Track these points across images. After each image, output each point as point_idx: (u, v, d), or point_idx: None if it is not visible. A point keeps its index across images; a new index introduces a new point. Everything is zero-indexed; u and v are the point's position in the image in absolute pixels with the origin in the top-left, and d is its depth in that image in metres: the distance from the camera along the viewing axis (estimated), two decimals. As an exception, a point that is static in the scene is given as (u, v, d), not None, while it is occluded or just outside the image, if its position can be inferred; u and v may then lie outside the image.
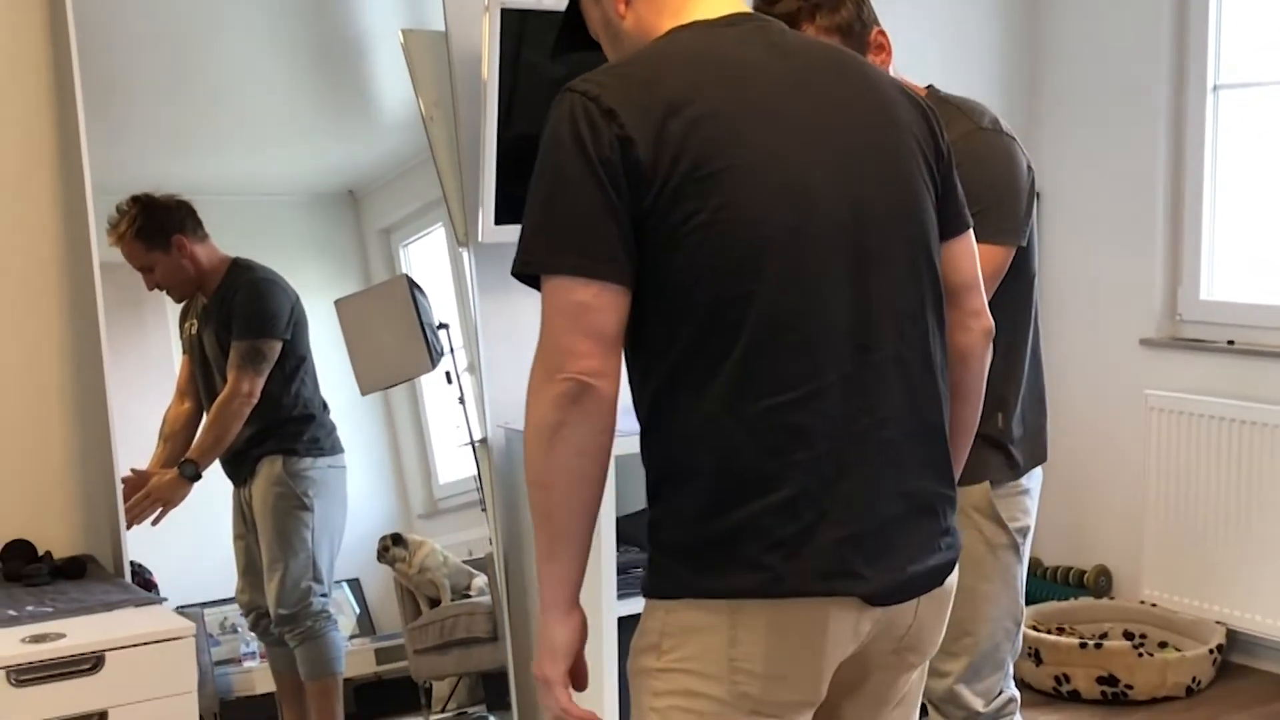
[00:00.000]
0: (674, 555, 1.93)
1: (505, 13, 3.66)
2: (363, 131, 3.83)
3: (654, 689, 1.96)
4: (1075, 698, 4.52)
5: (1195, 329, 4.91)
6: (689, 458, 1.90)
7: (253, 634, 3.58)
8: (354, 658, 3.71)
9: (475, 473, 3.88)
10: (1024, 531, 2.93)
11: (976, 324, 2.13)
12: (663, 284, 1.87)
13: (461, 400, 3.85)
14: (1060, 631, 4.78)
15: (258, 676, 3.60)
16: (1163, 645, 4.73)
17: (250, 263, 3.57)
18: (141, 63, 3.46)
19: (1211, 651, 4.58)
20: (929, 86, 2.85)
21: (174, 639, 2.91)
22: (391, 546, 3.77)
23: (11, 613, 2.95)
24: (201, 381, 3.52)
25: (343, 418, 3.69)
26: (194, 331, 3.51)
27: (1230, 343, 4.78)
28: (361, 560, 3.75)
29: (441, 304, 3.84)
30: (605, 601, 3.65)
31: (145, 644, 2.88)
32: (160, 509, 3.40)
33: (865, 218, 1.94)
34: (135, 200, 3.40)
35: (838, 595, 1.89)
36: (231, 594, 3.56)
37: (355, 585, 3.77)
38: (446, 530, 3.89)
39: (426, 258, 3.87)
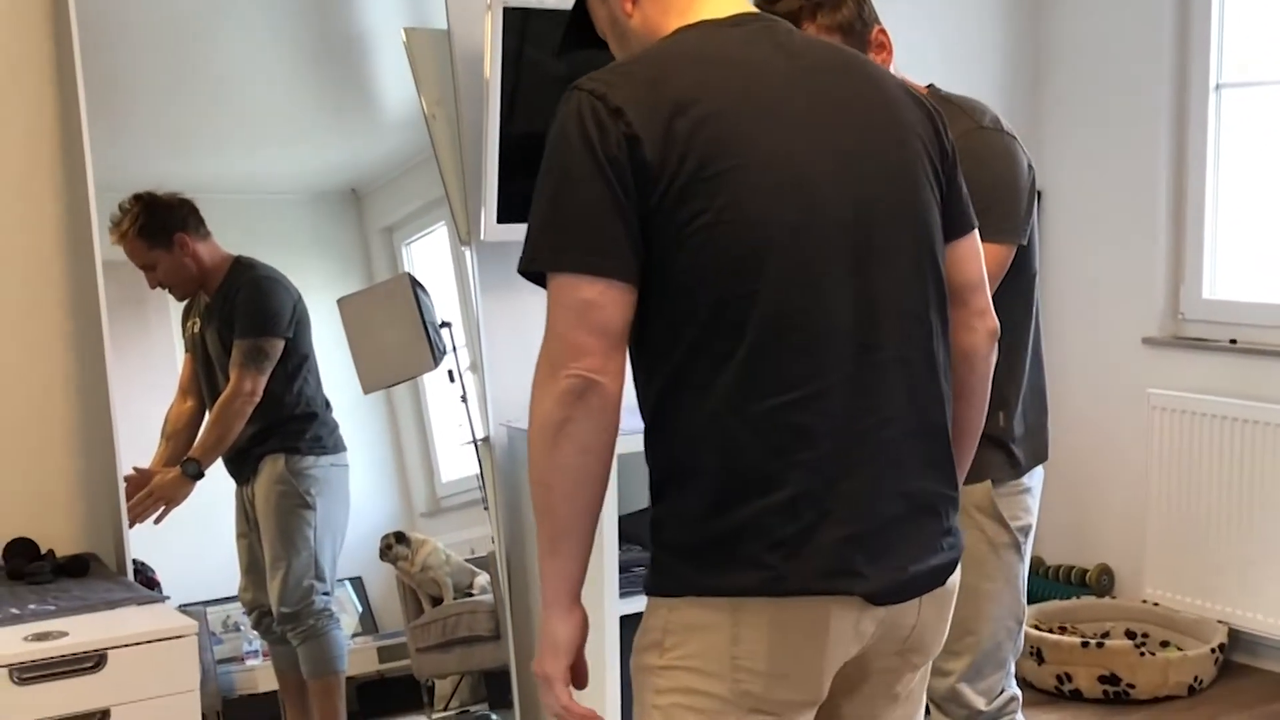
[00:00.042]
0: (677, 553, 1.93)
1: (508, 11, 3.65)
2: (365, 130, 3.83)
3: (656, 686, 1.96)
4: (1077, 697, 4.52)
5: (1197, 328, 4.91)
6: (692, 457, 1.90)
7: (255, 632, 3.58)
8: (356, 656, 3.71)
9: (478, 471, 3.88)
10: (1026, 530, 2.94)
11: (981, 324, 2.14)
12: (667, 283, 1.87)
13: (464, 399, 3.86)
14: (1062, 630, 4.78)
15: (260, 675, 3.60)
16: (1165, 644, 4.73)
17: (252, 261, 3.57)
18: (144, 61, 3.46)
19: (1213, 651, 4.58)
20: (930, 85, 2.85)
21: (176, 637, 2.92)
22: (394, 545, 3.78)
23: (14, 611, 2.95)
24: (204, 380, 3.52)
25: (345, 416, 3.69)
26: (196, 330, 3.52)
27: (1233, 341, 4.78)
28: (364, 559, 3.75)
29: (444, 302, 3.84)
30: (607, 600, 3.65)
31: (147, 642, 2.88)
32: (163, 507, 3.40)
33: (869, 217, 1.94)
34: (138, 198, 3.40)
35: (839, 594, 1.90)
36: (234, 592, 3.56)
37: (358, 583, 3.77)
38: (449, 529, 3.89)
39: (429, 256, 3.87)
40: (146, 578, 3.33)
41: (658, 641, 1.95)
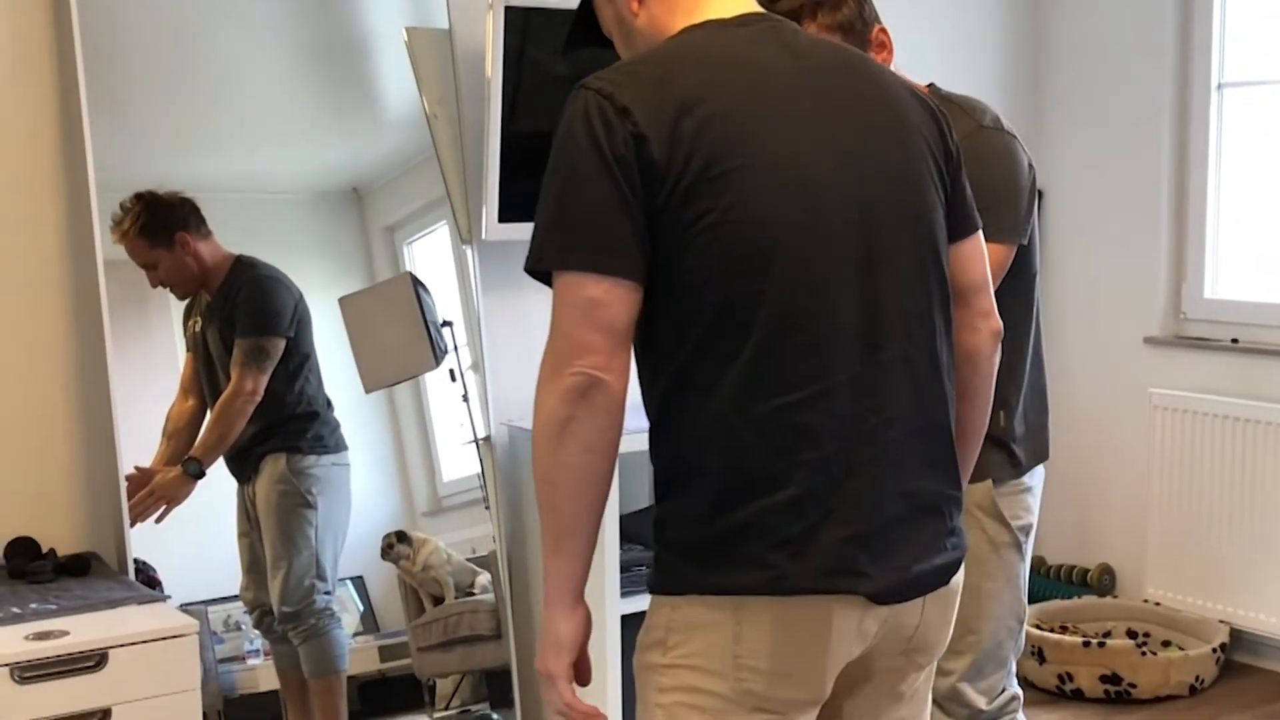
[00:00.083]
0: (680, 552, 1.93)
1: (509, 10, 3.65)
2: (366, 129, 3.83)
3: (659, 685, 1.96)
4: (1078, 696, 4.52)
5: (1199, 327, 4.90)
6: (697, 456, 1.90)
7: (256, 631, 3.58)
8: (357, 655, 3.71)
9: (479, 470, 3.88)
10: (1027, 529, 2.94)
11: (985, 325, 2.14)
12: (673, 282, 1.87)
13: (465, 398, 3.86)
14: (1064, 630, 4.78)
15: (261, 674, 3.60)
16: (1166, 644, 4.73)
17: (254, 260, 3.57)
18: (145, 61, 3.46)
19: (1215, 650, 4.58)
20: (930, 85, 2.85)
21: (177, 636, 2.92)
22: (395, 544, 3.78)
23: (15, 610, 2.95)
24: (205, 379, 3.52)
25: (346, 415, 3.69)
26: (198, 329, 3.52)
27: (1234, 341, 4.77)
28: (365, 558, 3.75)
29: (445, 301, 3.84)
30: (608, 599, 3.65)
31: (149, 641, 2.88)
32: (164, 507, 3.40)
33: (873, 218, 1.94)
34: (139, 197, 3.40)
35: (842, 593, 1.90)
36: (235, 591, 3.56)
37: (359, 583, 3.77)
38: (450, 528, 3.89)
39: (430, 255, 3.87)
40: (148, 577, 3.33)
41: (661, 640, 1.95)
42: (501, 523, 3.89)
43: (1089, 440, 5.09)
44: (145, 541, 3.34)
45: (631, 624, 3.58)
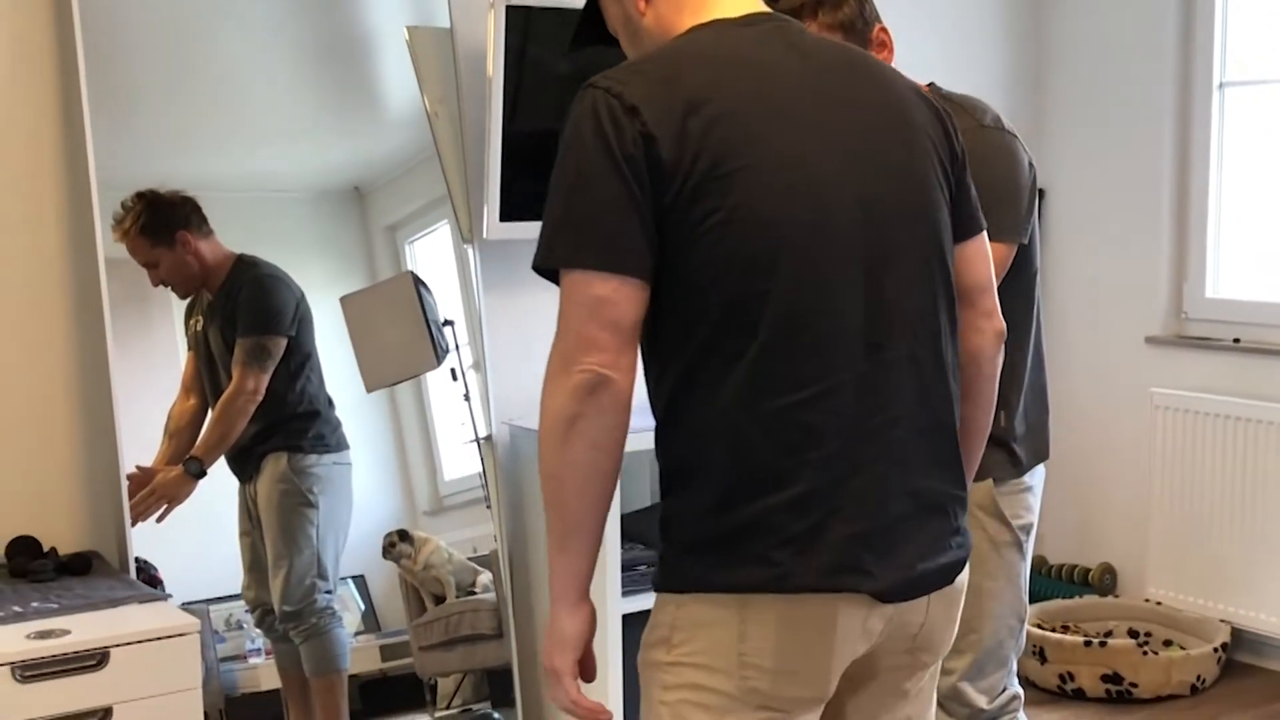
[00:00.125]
0: (685, 550, 1.93)
1: (510, 9, 3.66)
2: (368, 128, 3.83)
3: (663, 682, 1.96)
4: (1080, 696, 4.52)
5: (1201, 327, 4.90)
6: (703, 454, 1.91)
7: (258, 630, 3.58)
8: (359, 654, 3.71)
9: (480, 469, 3.88)
10: (1027, 529, 2.94)
11: (989, 325, 2.15)
12: (680, 281, 1.88)
13: (466, 397, 3.86)
14: (1065, 630, 4.78)
15: (263, 673, 3.60)
16: (1167, 644, 4.73)
17: (255, 259, 3.57)
18: (147, 59, 3.47)
19: (1216, 650, 4.57)
20: (930, 84, 2.85)
21: (179, 635, 2.91)
22: (397, 543, 3.78)
23: (17, 609, 2.95)
24: (207, 378, 3.52)
25: (348, 414, 3.69)
26: (199, 328, 3.52)
27: (1236, 341, 4.77)
28: (367, 557, 3.75)
29: (447, 300, 3.84)
30: (609, 598, 3.65)
31: (150, 640, 2.88)
32: (165, 506, 3.40)
33: (879, 217, 1.95)
34: (140, 196, 3.40)
35: (846, 591, 1.90)
36: (237, 590, 3.57)
37: (360, 582, 3.77)
38: (451, 527, 3.89)
39: (432, 254, 3.87)
40: (149, 576, 3.33)
41: (665, 638, 1.96)
42: (503, 522, 3.89)
43: (1091, 440, 5.09)
44: (147, 540, 3.35)
45: (632, 623, 3.58)
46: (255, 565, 3.58)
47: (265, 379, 3.53)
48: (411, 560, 3.79)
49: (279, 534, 3.57)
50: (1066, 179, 5.14)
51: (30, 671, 2.75)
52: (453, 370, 3.84)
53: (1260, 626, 4.66)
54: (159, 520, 3.39)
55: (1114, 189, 5.04)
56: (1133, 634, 4.81)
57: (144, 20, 3.43)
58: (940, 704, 2.94)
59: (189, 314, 3.53)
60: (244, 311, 3.53)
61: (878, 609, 1.93)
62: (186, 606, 3.26)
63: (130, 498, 3.33)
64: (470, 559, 3.89)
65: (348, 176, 3.77)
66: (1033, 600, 3.66)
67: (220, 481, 3.51)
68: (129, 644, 2.86)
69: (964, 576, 2.07)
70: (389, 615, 3.80)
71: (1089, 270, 5.11)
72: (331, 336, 3.66)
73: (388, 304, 3.80)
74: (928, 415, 1.98)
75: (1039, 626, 4.66)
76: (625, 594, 3.70)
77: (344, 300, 3.71)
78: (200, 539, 3.55)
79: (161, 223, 3.44)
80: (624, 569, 3.72)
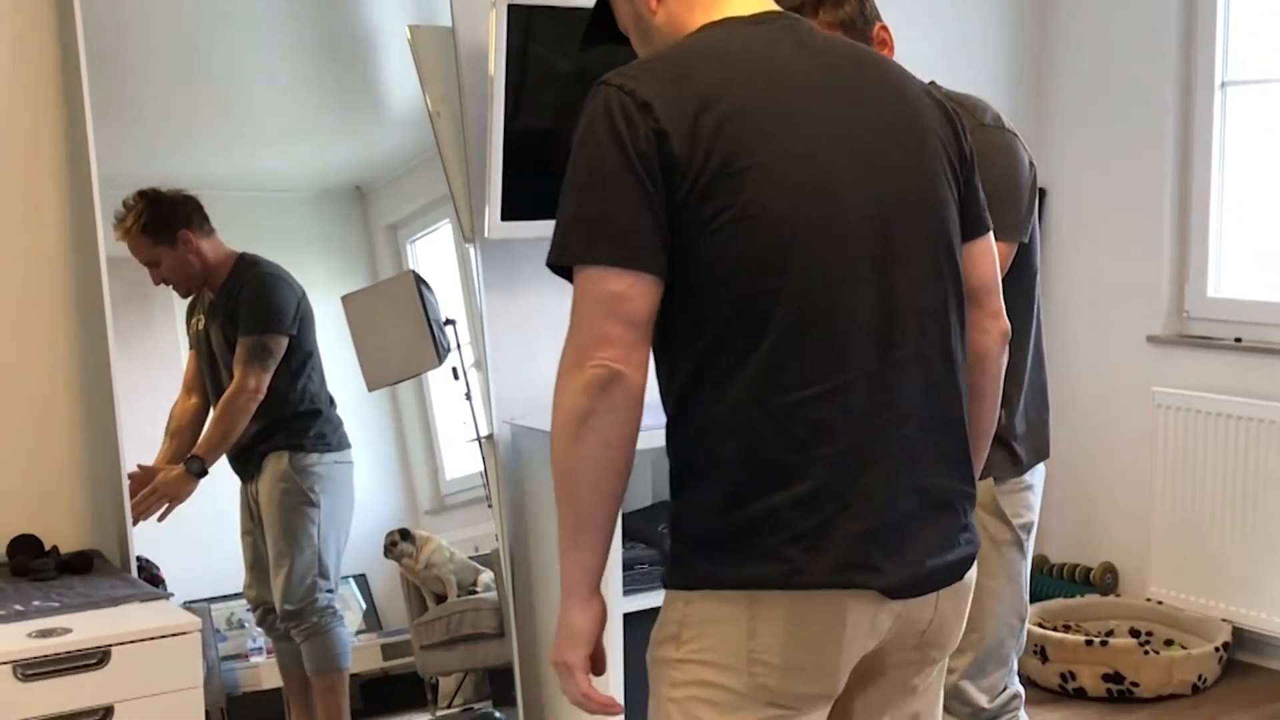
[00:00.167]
0: (695, 547, 1.94)
1: (512, 8, 3.65)
2: (370, 127, 3.83)
3: (672, 679, 1.97)
4: (1081, 695, 4.52)
5: (1202, 326, 4.90)
6: (713, 451, 1.91)
7: (259, 629, 3.58)
8: (360, 653, 3.71)
9: (481, 469, 3.88)
10: (1028, 527, 2.94)
11: (994, 325, 2.16)
12: (691, 279, 1.88)
13: (468, 396, 3.86)
14: (1066, 629, 4.78)
15: (264, 672, 3.60)
16: (1169, 643, 4.73)
17: (257, 258, 3.57)
18: (148, 58, 3.46)
19: (1217, 649, 4.57)
20: (931, 83, 2.85)
21: (180, 634, 2.91)
22: (398, 542, 3.78)
23: (18, 607, 2.95)
24: (208, 377, 3.52)
25: (349, 413, 3.69)
26: (200, 327, 3.52)
27: (1238, 340, 4.77)
28: (368, 556, 3.75)
29: (448, 300, 3.84)
30: (611, 597, 3.64)
31: (151, 639, 2.88)
32: (166, 505, 3.41)
33: (889, 216, 1.95)
34: (142, 195, 3.40)
35: (855, 588, 1.90)
36: (238, 589, 3.57)
37: (362, 581, 3.77)
38: (453, 526, 3.89)
39: (433, 253, 3.87)
40: (150, 575, 3.33)
41: (674, 635, 1.96)
42: (504, 521, 3.89)
43: (1092, 439, 5.09)
44: (148, 539, 3.35)
45: (634, 622, 3.58)
46: (257, 564, 3.58)
47: (267, 378, 3.53)
48: (413, 559, 3.79)
49: (280, 533, 3.57)
50: (1068, 178, 5.14)
51: (31, 670, 2.75)
52: (454, 369, 3.84)
53: (1262, 626, 4.66)
54: (160, 519, 3.39)
55: (1115, 188, 5.04)
56: (1134, 633, 4.80)
57: (145, 19, 3.43)
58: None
59: (190, 313, 3.53)
60: (245, 310, 3.53)
61: (887, 605, 1.94)
62: (188, 605, 3.27)
63: (132, 496, 3.34)
64: (472, 558, 3.89)
65: (349, 175, 3.77)
66: (1034, 599, 3.66)
67: (222, 480, 3.51)
68: (130, 643, 2.86)
69: (973, 573, 2.08)
70: (390, 614, 3.80)
71: (1090, 269, 5.11)
72: (333, 335, 3.66)
73: (389, 303, 3.80)
74: (937, 413, 1.99)
75: (1040, 626, 4.66)
76: (626, 593, 3.70)
77: (345, 299, 3.71)
78: (202, 538, 3.55)
79: (163, 221, 3.44)
80: (625, 568, 3.72)
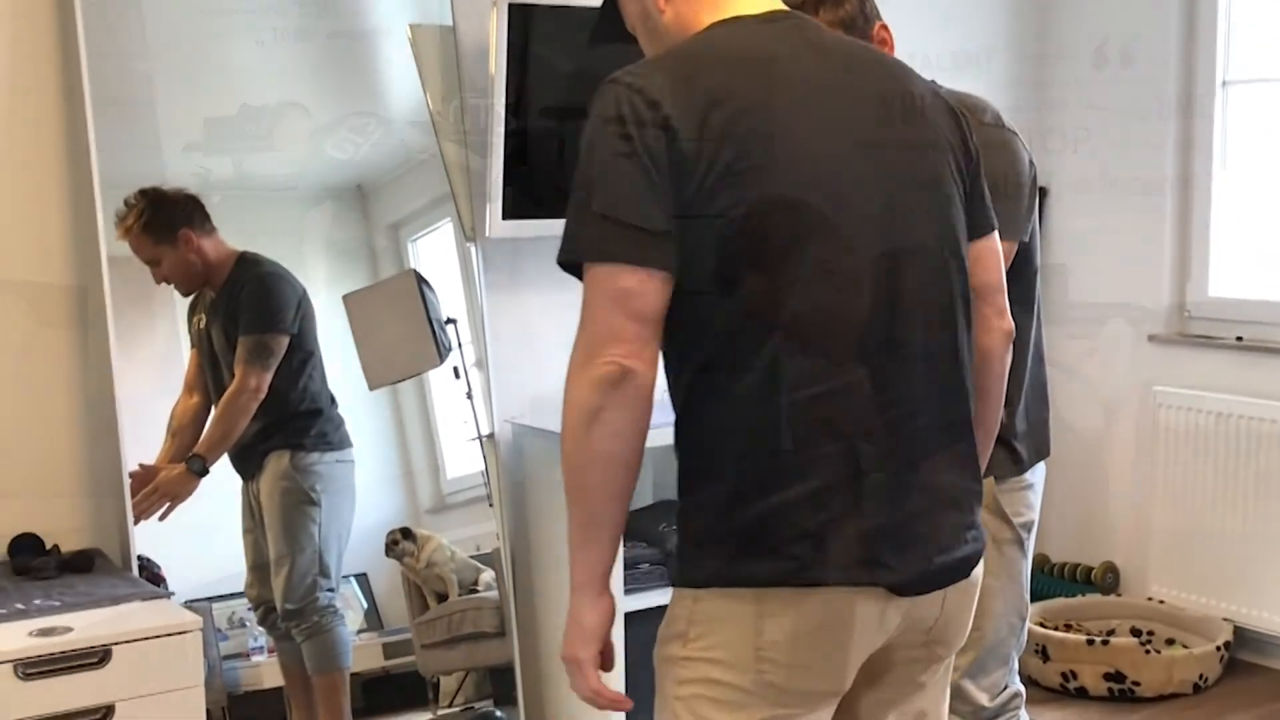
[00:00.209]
0: (702, 544, 1.94)
1: (513, 7, 3.65)
2: (370, 126, 3.83)
3: (679, 677, 1.97)
4: (1082, 694, 4.52)
5: (1203, 325, 4.90)
6: (720, 448, 1.92)
7: (261, 628, 3.58)
8: (361, 652, 3.72)
9: (483, 468, 3.88)
10: (1028, 526, 2.94)
11: (998, 324, 2.17)
12: (699, 275, 1.88)
13: (469, 395, 3.86)
14: (1067, 628, 4.77)
15: (266, 671, 3.60)
16: (1170, 642, 4.72)
17: (258, 257, 3.57)
18: (149, 57, 3.46)
19: (1219, 649, 4.57)
20: (931, 82, 2.85)
21: (181, 633, 2.91)
22: (399, 541, 3.78)
23: (19, 606, 2.95)
24: (209, 376, 3.52)
25: (351, 412, 3.69)
26: (202, 325, 3.52)
27: (1239, 339, 4.77)
28: (369, 555, 3.75)
29: (449, 299, 3.84)
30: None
31: (152, 638, 2.88)
32: (168, 504, 3.41)
33: (897, 214, 1.96)
34: (143, 194, 3.40)
35: (863, 585, 1.90)
36: (240, 588, 3.57)
37: (363, 580, 3.77)
38: (454, 525, 3.90)
39: (434, 252, 3.87)
40: (151, 574, 3.33)
41: (682, 632, 1.96)
42: (505, 520, 3.89)
43: (1093, 438, 5.09)
44: (149, 538, 3.35)
45: (635, 621, 3.57)
46: (258, 563, 3.58)
47: (268, 377, 3.53)
48: (414, 558, 3.79)
49: (281, 532, 3.57)
50: (1068, 177, 5.13)
51: (32, 669, 2.76)
52: (455, 368, 3.84)
53: (1263, 625, 4.66)
54: (161, 518, 3.39)
55: (1116, 187, 5.03)
56: (1135, 632, 4.80)
57: (146, 18, 3.42)
58: (942, 702, 2.94)
59: (191, 311, 3.53)
60: (246, 309, 3.53)
61: (894, 602, 1.94)
62: (189, 604, 3.27)
63: (133, 495, 3.34)
64: (473, 557, 3.89)
65: (350, 174, 3.77)
66: (1035, 599, 3.65)
67: (223, 479, 3.51)
68: (131, 642, 2.86)
69: (979, 570, 2.08)
70: (391, 613, 3.80)
71: (1090, 269, 5.11)
72: (334, 334, 3.66)
73: (390, 302, 3.80)
74: (944, 410, 2.00)
75: (1041, 625, 4.65)
76: (628, 592, 3.70)
77: (346, 298, 3.71)
78: (203, 537, 3.55)
79: (164, 220, 3.44)
80: (626, 567, 3.72)
